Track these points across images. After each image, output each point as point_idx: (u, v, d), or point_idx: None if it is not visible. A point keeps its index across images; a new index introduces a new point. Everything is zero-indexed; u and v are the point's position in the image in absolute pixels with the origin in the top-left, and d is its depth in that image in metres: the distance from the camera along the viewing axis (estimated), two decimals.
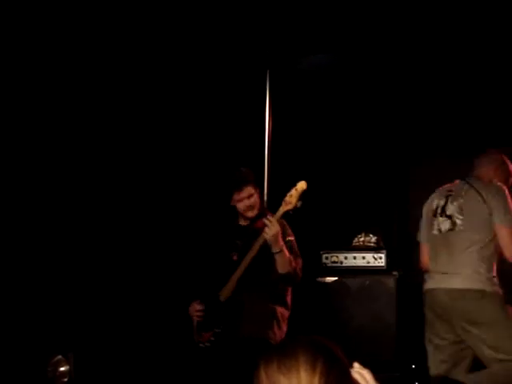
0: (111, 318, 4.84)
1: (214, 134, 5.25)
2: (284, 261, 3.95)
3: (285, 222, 4.10)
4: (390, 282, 4.84)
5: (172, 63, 4.97)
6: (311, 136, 5.52)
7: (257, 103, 5.24)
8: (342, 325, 4.76)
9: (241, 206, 4.12)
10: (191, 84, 5.11)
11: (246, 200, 4.09)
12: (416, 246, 5.28)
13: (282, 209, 3.92)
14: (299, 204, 3.93)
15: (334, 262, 5.03)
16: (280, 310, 4.10)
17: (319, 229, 4.93)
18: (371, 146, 5.43)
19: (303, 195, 3.89)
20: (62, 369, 4.17)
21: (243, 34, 4.82)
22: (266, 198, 5.15)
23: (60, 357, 4.18)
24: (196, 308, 4.15)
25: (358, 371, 1.48)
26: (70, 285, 4.69)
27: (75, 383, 4.22)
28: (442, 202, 3.98)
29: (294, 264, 4.01)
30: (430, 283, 3.91)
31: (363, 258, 4.98)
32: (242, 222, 4.21)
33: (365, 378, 1.50)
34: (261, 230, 3.96)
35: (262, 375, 1.39)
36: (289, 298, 4.16)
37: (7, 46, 4.27)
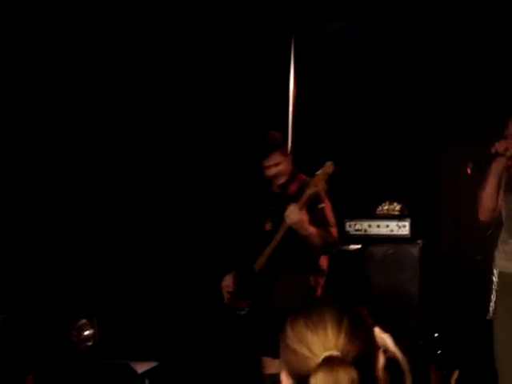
0: (137, 282, 4.90)
1: (238, 101, 5.23)
2: (313, 240, 3.92)
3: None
4: (414, 250, 4.79)
5: (196, 28, 4.95)
6: (336, 104, 5.47)
7: (281, 70, 5.20)
8: (364, 293, 4.75)
9: (268, 173, 4.09)
10: (215, 51, 5.08)
11: (273, 168, 4.05)
12: (441, 214, 5.25)
13: (308, 191, 3.88)
14: (326, 186, 3.89)
15: (358, 230, 5.00)
16: (314, 278, 4.08)
17: (343, 196, 4.88)
18: (397, 114, 5.37)
19: (330, 177, 3.86)
20: (87, 332, 4.22)
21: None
22: None
23: (84, 321, 4.23)
24: (227, 283, 4.15)
25: (379, 335, 1.51)
26: (95, 250, 4.75)
27: (99, 347, 4.28)
28: None
29: (325, 236, 3.96)
30: None
31: (387, 226, 4.93)
32: (275, 188, 4.18)
33: (384, 343, 1.54)
34: (294, 197, 3.94)
35: (289, 332, 1.42)
36: (324, 264, 4.11)
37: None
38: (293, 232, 3.94)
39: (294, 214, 3.84)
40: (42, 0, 4.44)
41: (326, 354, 1.35)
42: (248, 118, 5.16)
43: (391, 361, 1.52)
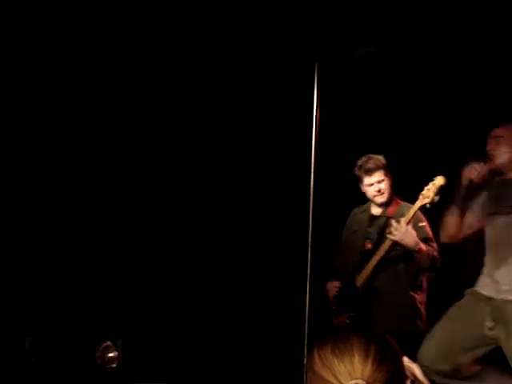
0: (163, 304, 4.91)
1: (262, 128, 5.26)
2: (422, 256, 3.94)
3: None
4: None
5: (221, 53, 5.00)
6: (360, 131, 5.48)
7: (305, 96, 5.23)
8: None
9: (370, 190, 4.11)
10: (239, 76, 5.13)
11: (376, 185, 4.09)
12: None
13: (419, 203, 3.93)
14: (437, 198, 3.93)
15: None
16: (419, 297, 4.10)
17: None
18: (422, 141, 5.36)
19: (441, 189, 3.92)
20: (111, 354, 4.23)
21: (292, 24, 4.83)
22: (311, 195, 5.14)
23: (109, 342, 4.24)
24: (334, 284, 4.18)
25: (407, 365, 1.51)
26: (120, 271, 4.77)
27: (123, 369, 4.28)
28: None
29: (431, 253, 3.99)
30: None
31: None
32: (375, 211, 4.21)
33: (413, 373, 1.55)
34: (394, 217, 3.98)
35: (316, 358, 1.41)
36: (425, 283, 4.16)
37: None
38: (398, 247, 3.95)
39: (400, 228, 3.85)
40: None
41: (352, 382, 1.34)
42: (272, 143, 5.19)
43: None
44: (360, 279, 4.08)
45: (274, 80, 5.22)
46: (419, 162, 5.31)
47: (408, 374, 1.49)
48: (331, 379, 1.36)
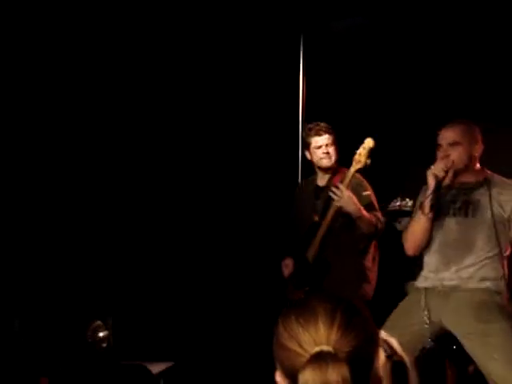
0: (152, 282, 4.91)
1: (248, 101, 5.22)
2: (365, 222, 3.96)
3: (359, 178, 4.09)
4: None
5: (204, 26, 4.95)
6: (346, 101, 5.44)
7: (290, 68, 5.19)
8: (376, 290, 4.73)
9: (319, 152, 4.10)
10: (223, 50, 5.08)
11: (325, 147, 4.08)
12: None
13: (353, 169, 3.93)
14: (369, 162, 3.96)
15: None
16: (366, 264, 4.12)
17: None
18: (406, 110, 5.33)
19: (372, 152, 3.94)
20: (101, 334, 4.23)
21: None
22: (299, 167, 5.13)
23: (99, 322, 4.24)
24: (287, 262, 4.21)
25: (384, 339, 1.46)
26: (109, 251, 4.76)
27: (114, 348, 4.29)
28: None
29: (374, 220, 4.02)
30: None
31: (399, 223, 4.91)
32: (320, 182, 4.20)
33: (392, 346, 1.49)
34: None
35: (281, 329, 1.36)
36: (373, 250, 4.18)
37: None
38: (341, 217, 3.97)
39: (342, 193, 3.86)
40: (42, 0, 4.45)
41: (317, 349, 1.29)
42: (258, 115, 5.15)
43: (398, 364, 1.47)
44: (310, 253, 4.09)
45: (261, 52, 5.16)
46: (404, 137, 5.31)
47: (386, 347, 1.44)
48: (297, 348, 1.31)
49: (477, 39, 5.00)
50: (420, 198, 3.64)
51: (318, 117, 5.21)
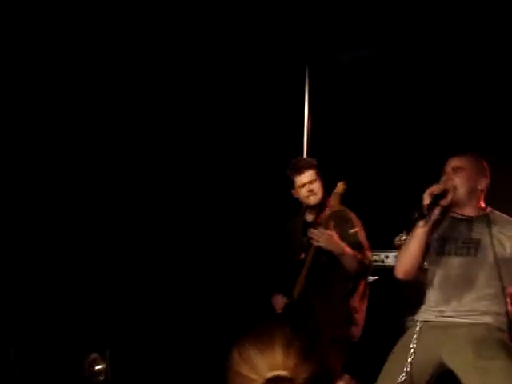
0: (149, 315, 4.85)
1: (253, 132, 5.21)
2: (348, 260, 3.87)
3: (347, 215, 4.01)
4: None
5: (212, 57, 4.95)
6: (351, 133, 5.42)
7: (295, 99, 5.18)
8: (381, 324, 4.67)
9: (302, 191, 4.02)
10: (230, 79, 5.07)
11: (308, 185, 4.00)
12: None
13: (328, 212, 3.90)
14: (340, 207, 3.94)
15: (375, 261, 4.92)
16: (353, 304, 4.02)
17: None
18: (413, 144, 5.30)
19: (344, 196, 3.90)
20: (99, 367, 4.17)
21: (282, 28, 4.77)
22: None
23: (96, 355, 4.18)
24: (277, 298, 4.12)
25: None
26: (107, 283, 4.70)
27: (111, 381, 4.22)
28: None
29: (360, 258, 3.92)
30: None
31: None
32: (308, 217, 4.14)
33: None
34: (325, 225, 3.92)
35: (235, 355, 1.31)
36: (362, 288, 4.06)
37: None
38: (325, 256, 3.90)
39: (321, 234, 3.80)
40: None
41: (273, 374, 1.24)
42: (263, 145, 5.14)
43: None
44: (296, 291, 4.01)
45: (266, 82, 5.16)
46: (410, 170, 5.27)
47: None
48: (251, 374, 1.26)
49: (482, 74, 4.99)
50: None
51: (322, 148, 5.20)
